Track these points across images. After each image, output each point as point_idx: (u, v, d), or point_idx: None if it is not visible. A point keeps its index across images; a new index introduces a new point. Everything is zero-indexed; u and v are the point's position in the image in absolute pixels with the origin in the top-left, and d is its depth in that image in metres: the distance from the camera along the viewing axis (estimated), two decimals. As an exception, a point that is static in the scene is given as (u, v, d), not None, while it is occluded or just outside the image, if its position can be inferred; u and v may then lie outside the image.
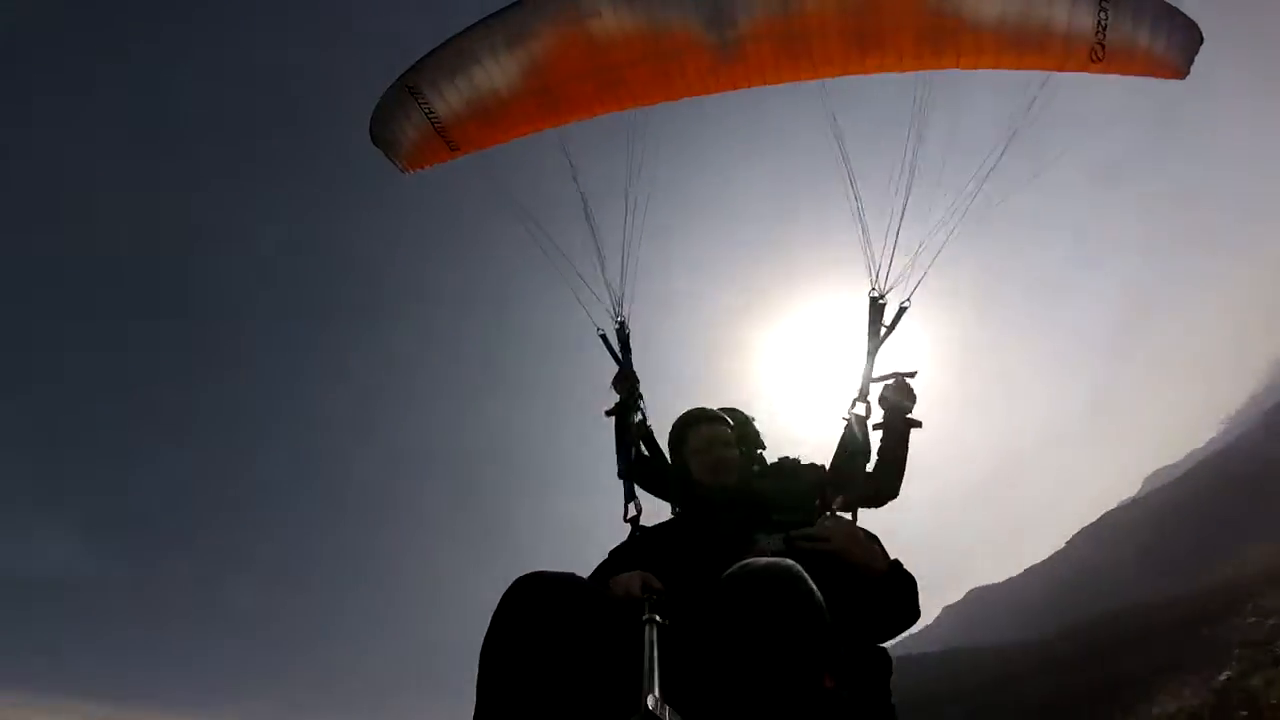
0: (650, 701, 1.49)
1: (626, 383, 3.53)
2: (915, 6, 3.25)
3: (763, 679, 1.61)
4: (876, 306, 3.32)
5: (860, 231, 3.40)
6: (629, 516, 3.08)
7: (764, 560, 1.85)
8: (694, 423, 3.16)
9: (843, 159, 3.56)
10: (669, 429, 3.26)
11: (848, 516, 2.80)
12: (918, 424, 3.16)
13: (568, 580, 1.92)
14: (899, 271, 3.29)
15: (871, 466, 3.09)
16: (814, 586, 1.75)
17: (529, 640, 1.76)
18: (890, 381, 3.23)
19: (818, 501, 2.88)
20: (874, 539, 2.64)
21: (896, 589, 2.42)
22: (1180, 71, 2.93)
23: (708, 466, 3.02)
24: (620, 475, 3.27)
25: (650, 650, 1.70)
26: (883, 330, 3.28)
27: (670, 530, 3.00)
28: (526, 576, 1.90)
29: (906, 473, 3.16)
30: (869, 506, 3.08)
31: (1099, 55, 2.96)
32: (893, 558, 2.50)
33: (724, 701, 1.63)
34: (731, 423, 3.18)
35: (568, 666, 1.75)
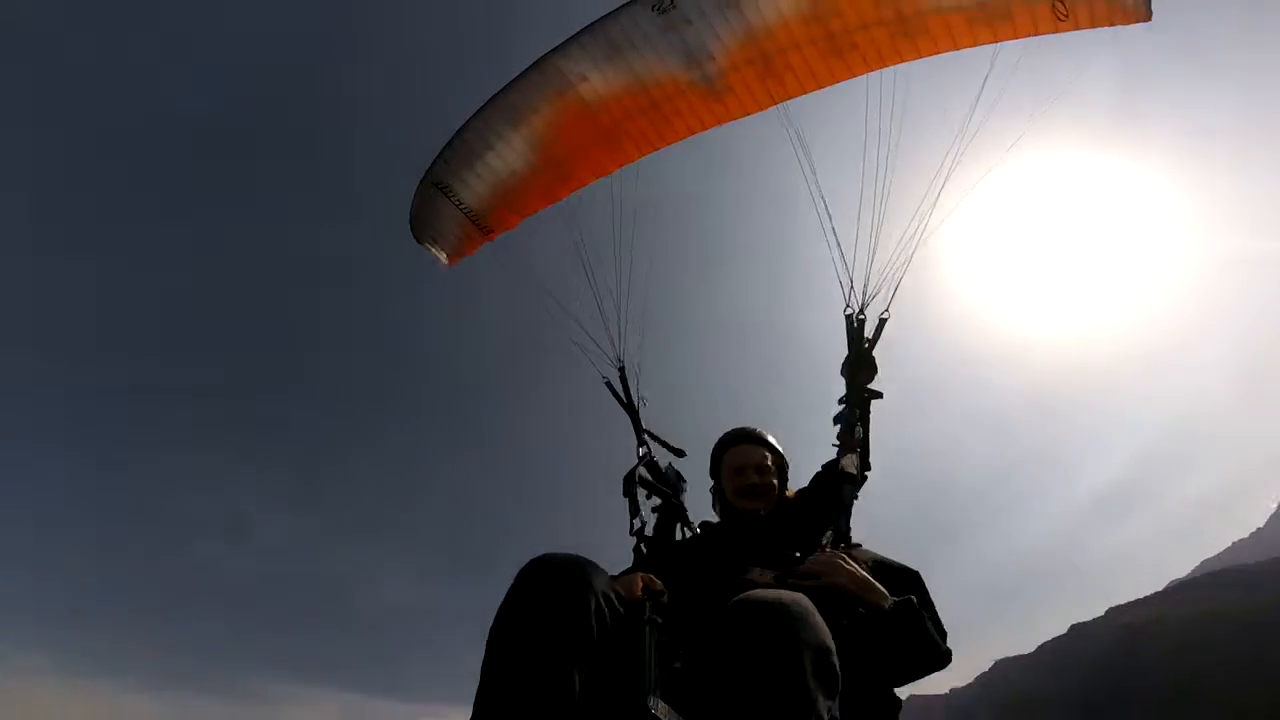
0: (651, 702, 1.59)
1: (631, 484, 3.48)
2: (874, 1, 3.38)
3: (756, 709, 1.58)
4: (855, 323, 3.25)
5: (834, 248, 3.38)
6: (634, 530, 3.26)
7: (773, 592, 1.82)
8: (733, 441, 3.14)
9: (807, 174, 3.67)
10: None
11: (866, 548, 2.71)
12: (878, 395, 3.13)
13: (579, 568, 1.88)
14: (875, 283, 3.25)
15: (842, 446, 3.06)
16: (819, 622, 1.73)
17: (535, 630, 1.74)
18: (849, 356, 3.20)
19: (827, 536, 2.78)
20: (908, 574, 2.58)
21: (899, 628, 2.27)
22: (1142, 14, 2.98)
23: (736, 490, 3.00)
24: (625, 494, 3.42)
25: (651, 651, 1.77)
26: (865, 346, 3.20)
27: (679, 547, 3.09)
28: (538, 561, 1.88)
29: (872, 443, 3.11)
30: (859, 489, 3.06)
31: (1063, 14, 3.03)
32: (908, 597, 2.36)
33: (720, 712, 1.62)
34: (777, 447, 3.13)
35: (571, 659, 1.72)
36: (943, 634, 2.37)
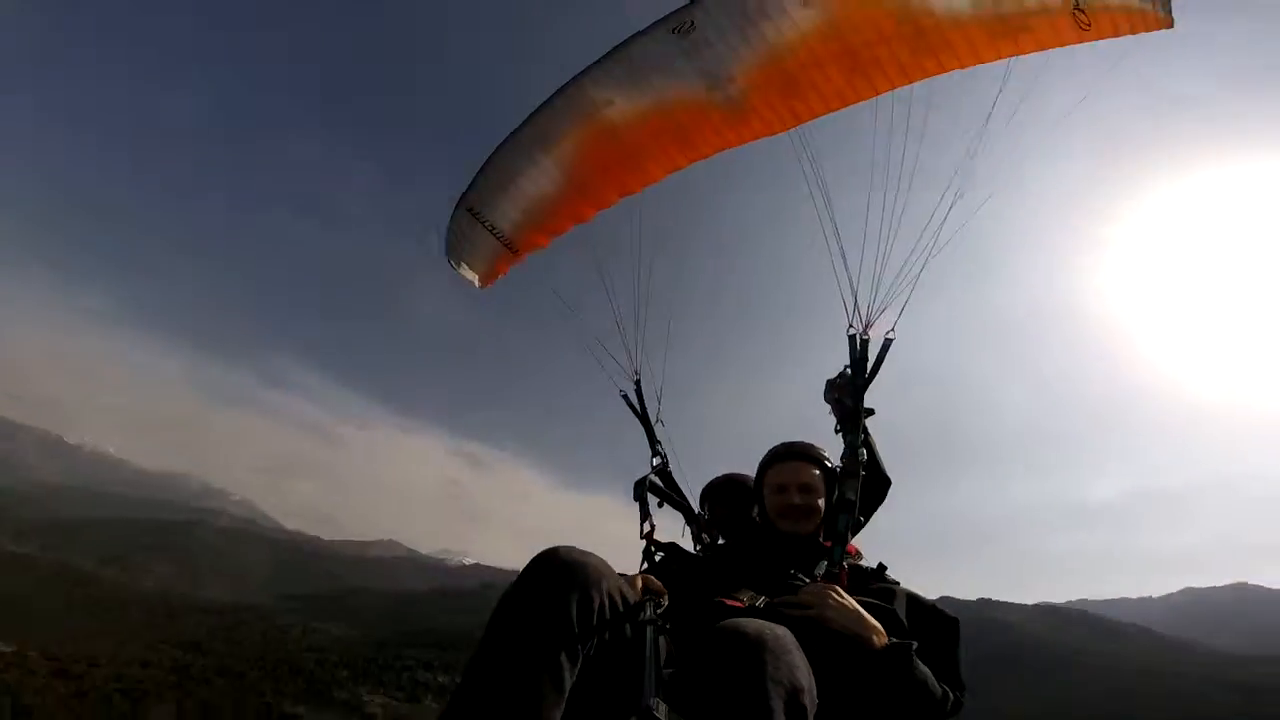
0: (652, 703, 1.63)
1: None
2: (892, 15, 3.38)
3: None
4: (859, 344, 3.11)
5: (841, 269, 3.26)
6: (644, 533, 3.26)
7: (755, 623, 1.81)
8: (780, 457, 3.00)
9: (817, 191, 3.60)
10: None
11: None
12: (869, 412, 3.03)
13: (585, 566, 1.91)
14: (880, 304, 3.14)
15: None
16: (795, 660, 1.75)
17: (532, 622, 1.77)
18: (835, 378, 3.09)
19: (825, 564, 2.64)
20: (941, 620, 2.49)
21: (886, 669, 2.18)
22: (1165, 20, 2.94)
23: (775, 510, 2.88)
24: (635, 498, 3.44)
25: (651, 652, 1.79)
26: (870, 367, 3.06)
27: (689, 558, 3.10)
28: (545, 556, 1.92)
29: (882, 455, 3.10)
30: (878, 505, 3.09)
31: (1085, 24, 2.99)
32: (907, 641, 2.26)
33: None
34: (829, 465, 2.96)
35: (566, 654, 1.75)
36: (958, 685, 2.30)
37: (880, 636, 2.25)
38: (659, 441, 3.84)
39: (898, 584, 2.65)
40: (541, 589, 1.84)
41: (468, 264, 4.73)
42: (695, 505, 3.72)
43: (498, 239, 4.54)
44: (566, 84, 4.16)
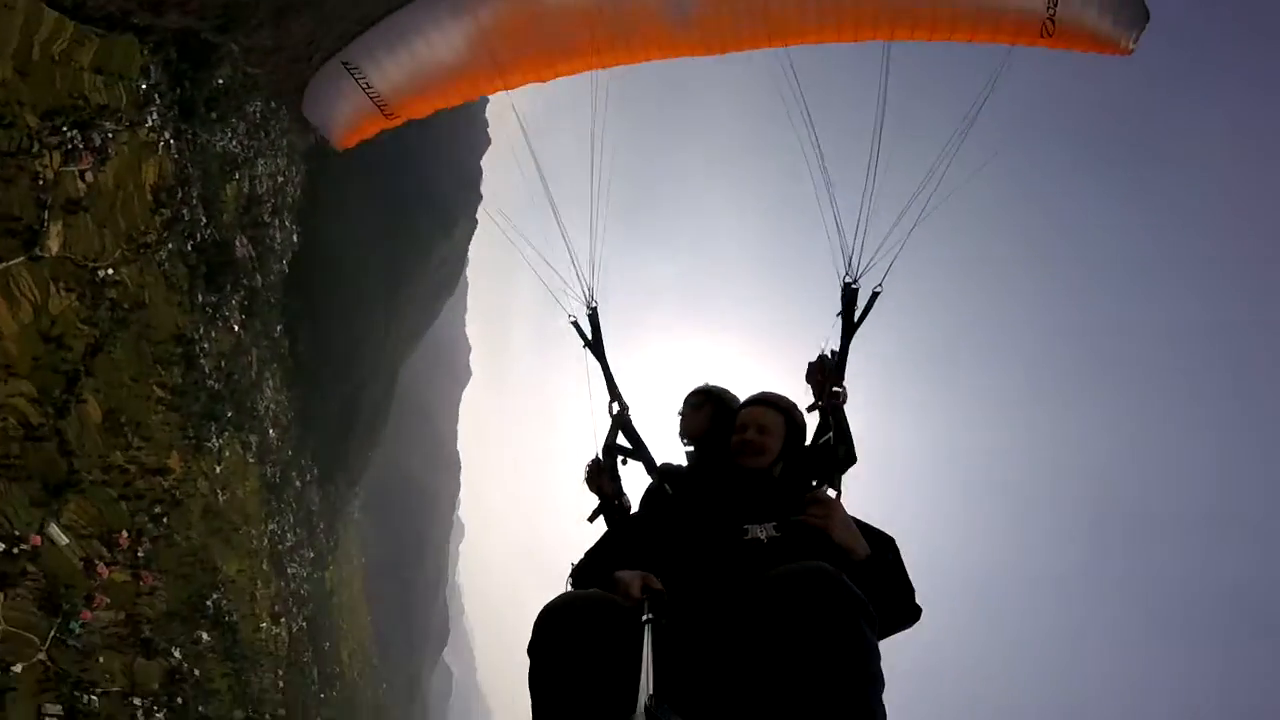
0: (651, 704, 1.61)
1: (601, 480, 3.32)
2: None
3: (818, 684, 1.74)
4: (849, 292, 3.29)
5: (831, 216, 3.35)
6: (624, 508, 3.25)
7: (807, 564, 1.97)
8: (751, 402, 3.16)
9: (811, 138, 3.52)
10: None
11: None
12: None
13: (588, 603, 2.11)
14: (870, 256, 3.26)
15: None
16: (854, 588, 1.91)
17: (567, 668, 1.97)
18: (816, 360, 3.23)
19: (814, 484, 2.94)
20: (882, 537, 2.66)
21: (873, 579, 2.34)
22: (1125, 49, 3.08)
23: (733, 445, 3.03)
24: (604, 467, 3.34)
25: (648, 652, 1.83)
26: (857, 316, 3.27)
27: (660, 518, 3.01)
28: (555, 610, 2.09)
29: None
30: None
31: (1049, 31, 3.06)
32: (884, 551, 2.52)
33: (739, 703, 1.81)
34: (792, 414, 3.13)
35: (597, 683, 1.92)
36: (910, 591, 2.55)
37: (865, 548, 2.47)
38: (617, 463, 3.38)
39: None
40: (568, 649, 2.00)
41: (328, 118, 4.04)
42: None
43: (370, 98, 3.85)
44: (504, -45, 3.61)
